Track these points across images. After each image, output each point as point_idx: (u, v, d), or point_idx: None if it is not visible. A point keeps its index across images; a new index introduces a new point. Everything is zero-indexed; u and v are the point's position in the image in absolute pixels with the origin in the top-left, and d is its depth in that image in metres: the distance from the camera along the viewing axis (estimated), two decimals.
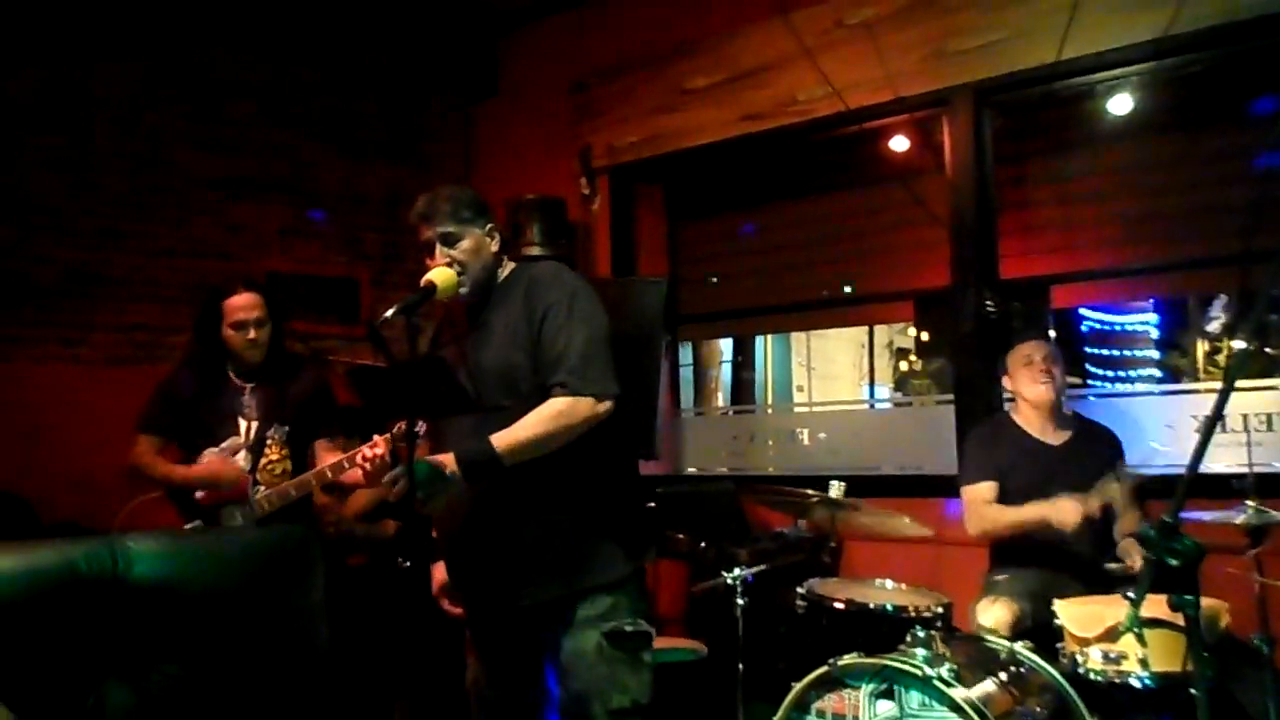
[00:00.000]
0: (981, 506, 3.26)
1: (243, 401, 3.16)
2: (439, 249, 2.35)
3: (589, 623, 2.27)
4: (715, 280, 5.15)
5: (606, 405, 2.26)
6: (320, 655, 1.73)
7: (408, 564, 2.34)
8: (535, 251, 4.63)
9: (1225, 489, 2.70)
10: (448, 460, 2.15)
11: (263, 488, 3.08)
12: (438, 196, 2.38)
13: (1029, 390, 3.30)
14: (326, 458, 3.00)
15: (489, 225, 2.41)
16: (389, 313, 2.17)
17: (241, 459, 3.13)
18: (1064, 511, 3.00)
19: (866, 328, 7.99)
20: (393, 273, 5.29)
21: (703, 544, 3.88)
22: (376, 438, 2.65)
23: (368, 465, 2.48)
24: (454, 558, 2.44)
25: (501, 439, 2.17)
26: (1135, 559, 3.00)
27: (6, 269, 4.27)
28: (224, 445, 3.14)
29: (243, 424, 3.16)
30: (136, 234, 4.62)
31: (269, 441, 3.13)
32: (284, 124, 5.07)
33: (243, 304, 3.09)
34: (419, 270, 2.34)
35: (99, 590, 1.54)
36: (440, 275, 2.29)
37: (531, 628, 2.33)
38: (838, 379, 8.78)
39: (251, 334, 3.09)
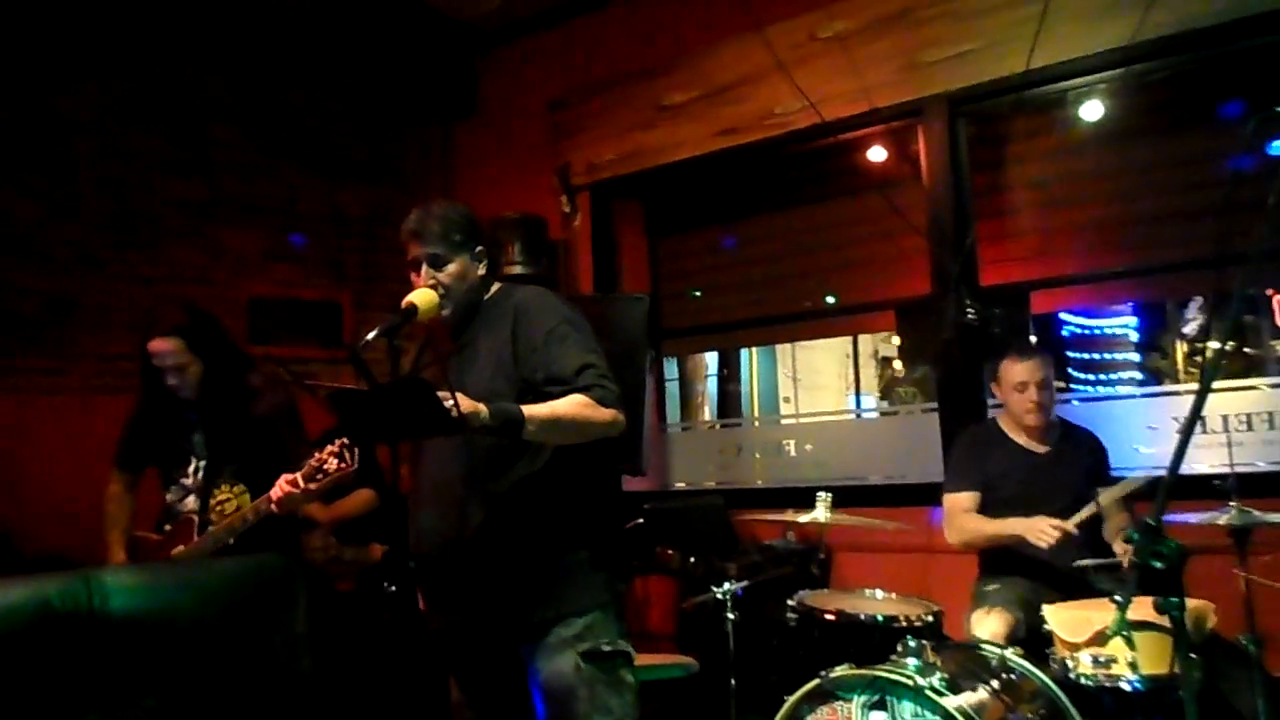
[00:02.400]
0: (960, 516, 3.28)
1: (193, 439, 3.12)
2: (425, 269, 2.35)
3: (566, 644, 2.25)
4: (699, 294, 5.16)
5: (621, 423, 2.25)
6: (303, 685, 1.71)
7: (393, 588, 2.34)
8: (517, 270, 4.63)
9: (1208, 490, 2.72)
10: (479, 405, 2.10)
11: (211, 529, 3.01)
12: (429, 215, 2.36)
13: (1019, 412, 3.32)
14: (274, 491, 2.86)
15: (478, 249, 2.41)
16: (370, 335, 2.16)
17: (190, 502, 3.09)
18: (1040, 532, 3.02)
19: (851, 338, 8.02)
20: (375, 295, 5.27)
21: (692, 559, 3.88)
22: (320, 454, 2.66)
23: (309, 488, 2.47)
24: (433, 579, 2.42)
25: (530, 406, 2.15)
26: (1127, 557, 3.01)
27: None
28: (173, 490, 3.13)
29: (192, 463, 3.11)
30: (116, 261, 4.59)
31: (219, 482, 3.08)
32: (264, 147, 5.06)
33: (157, 350, 3.00)
34: (401, 292, 2.34)
35: (75, 625, 1.51)
36: (421, 297, 2.28)
37: (510, 649, 2.31)
38: (824, 389, 8.79)
39: (171, 381, 3.02)
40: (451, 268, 2.35)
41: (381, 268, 5.26)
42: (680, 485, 4.99)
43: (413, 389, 2.08)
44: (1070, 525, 3.00)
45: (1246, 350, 6.40)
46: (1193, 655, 1.72)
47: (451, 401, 1.99)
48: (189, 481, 3.11)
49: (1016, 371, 3.30)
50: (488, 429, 2.09)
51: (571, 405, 2.20)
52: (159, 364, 3.02)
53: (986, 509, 3.30)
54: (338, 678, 3.35)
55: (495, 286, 2.47)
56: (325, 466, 2.70)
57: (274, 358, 4.44)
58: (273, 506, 2.79)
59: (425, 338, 2.54)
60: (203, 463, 3.10)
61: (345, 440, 2.67)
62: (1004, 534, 3.14)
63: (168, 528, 3.11)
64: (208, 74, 4.87)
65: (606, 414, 2.22)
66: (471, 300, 2.40)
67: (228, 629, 1.64)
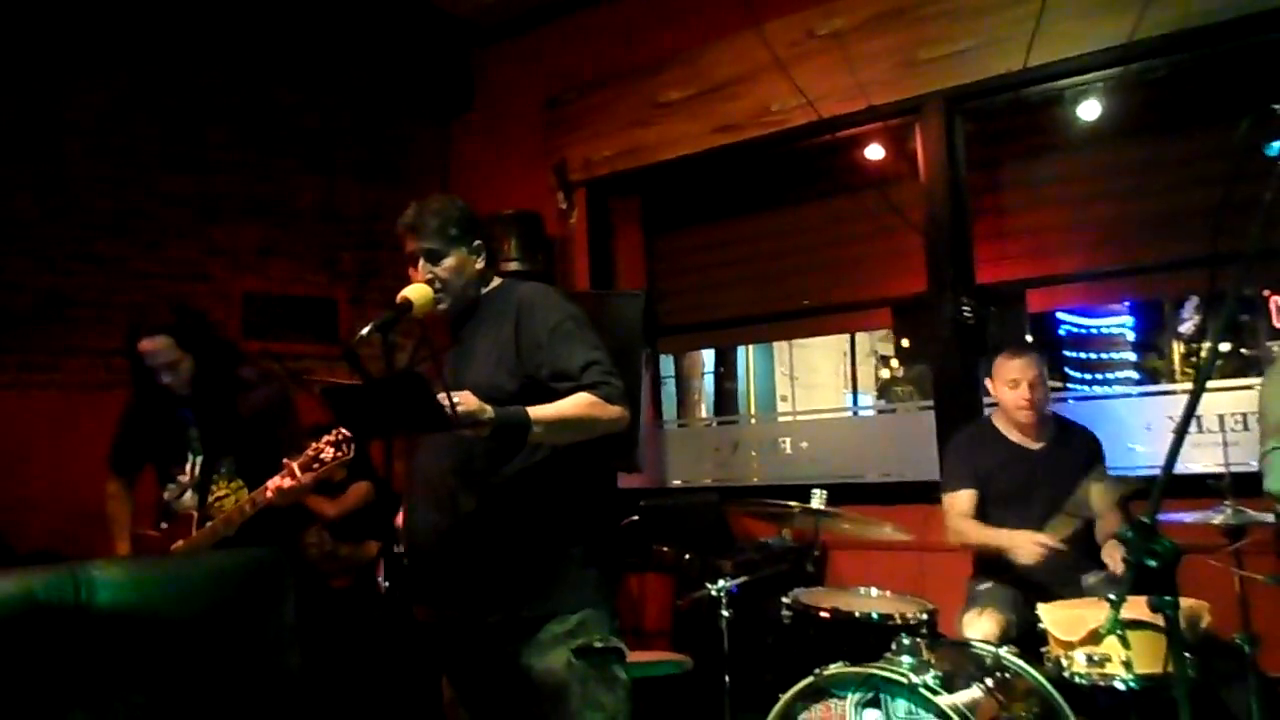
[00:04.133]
0: (957, 520, 3.28)
1: (189, 435, 3.13)
2: (422, 264, 2.34)
3: (558, 640, 2.25)
4: (696, 292, 5.15)
5: (627, 418, 2.27)
6: (291, 680, 1.70)
7: (387, 584, 2.33)
8: (513, 267, 4.62)
9: (1203, 489, 2.72)
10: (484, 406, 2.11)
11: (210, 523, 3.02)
12: (426, 210, 2.36)
13: (1011, 408, 3.32)
14: (270, 482, 2.88)
15: (476, 243, 2.40)
16: (365, 331, 2.15)
17: (188, 499, 3.09)
18: (1023, 549, 3.03)
19: (848, 335, 8.02)
20: (370, 291, 5.27)
21: (687, 556, 3.87)
22: (316, 444, 2.66)
23: (305, 478, 2.47)
24: (425, 573, 2.41)
25: (537, 409, 2.16)
26: (1117, 560, 3.02)
27: None
28: (170, 488, 3.13)
29: (189, 459, 3.12)
30: (112, 257, 4.58)
31: (216, 477, 3.09)
32: (260, 143, 5.05)
33: (148, 350, 3.01)
34: (396, 288, 2.33)
35: (60, 619, 1.50)
36: (416, 292, 2.28)
37: (503, 646, 2.31)
38: (821, 387, 8.79)
39: (165, 378, 3.04)
40: (449, 262, 2.34)
41: (377, 264, 5.26)
42: (676, 483, 4.99)
43: (407, 384, 2.07)
44: (1055, 542, 3.00)
45: (1243, 350, 6.41)
46: (1187, 654, 1.72)
47: (448, 399, 1.99)
48: (185, 478, 3.11)
49: (1009, 369, 3.31)
50: (493, 433, 2.09)
51: (580, 405, 2.21)
52: (151, 363, 3.02)
53: (983, 506, 3.30)
54: (330, 674, 3.34)
55: (495, 282, 2.47)
56: (322, 455, 2.70)
57: (269, 353, 4.44)
58: (269, 496, 2.79)
59: (420, 333, 2.53)
60: (199, 458, 3.11)
61: (342, 430, 2.67)
62: (991, 544, 3.15)
63: (164, 525, 3.11)
64: (204, 71, 4.87)
65: (613, 411, 2.24)
66: (469, 295, 2.39)
67: (216, 623, 1.63)
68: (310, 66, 5.18)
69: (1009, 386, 3.30)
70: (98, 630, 1.50)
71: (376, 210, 5.30)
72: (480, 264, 2.41)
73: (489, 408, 2.07)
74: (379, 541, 4.08)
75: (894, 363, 8.23)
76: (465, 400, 2.04)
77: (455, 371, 2.30)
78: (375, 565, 4.04)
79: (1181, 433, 1.59)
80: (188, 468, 3.11)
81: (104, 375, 4.45)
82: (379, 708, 3.64)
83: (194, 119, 4.84)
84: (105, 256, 4.57)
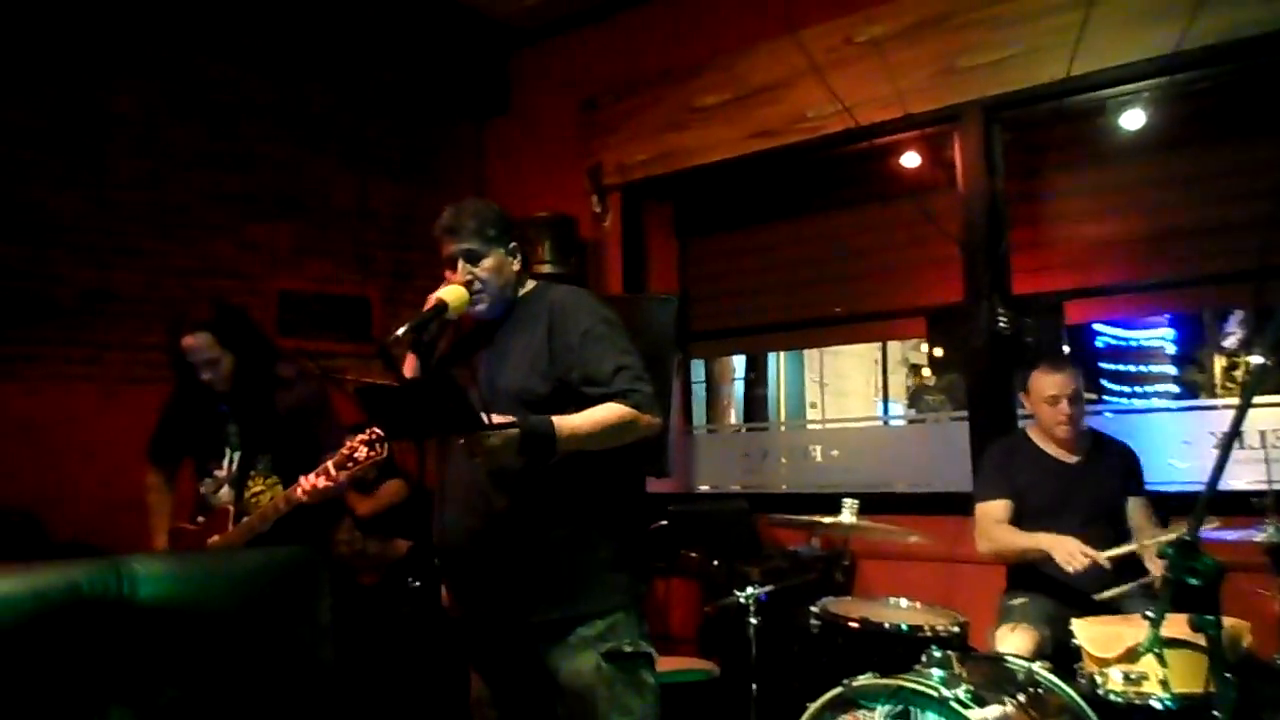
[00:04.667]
0: (992, 526, 3.23)
1: (228, 431, 3.15)
2: (461, 265, 2.35)
3: (587, 644, 2.25)
4: (728, 298, 5.14)
5: (659, 425, 2.28)
6: (325, 677, 1.71)
7: (417, 584, 2.34)
8: (546, 269, 4.64)
9: (1245, 507, 2.67)
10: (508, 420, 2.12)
11: (245, 519, 3.04)
12: (463, 212, 2.37)
13: (1050, 424, 3.28)
14: (303, 480, 2.88)
15: (512, 244, 2.41)
16: (399, 331, 2.17)
17: (225, 494, 3.12)
18: (1069, 554, 2.96)
19: (880, 344, 7.96)
20: (404, 291, 5.30)
21: (715, 562, 3.86)
22: (351, 443, 2.68)
23: (339, 476, 2.48)
24: (457, 574, 2.42)
25: (563, 420, 2.16)
26: (1159, 566, 2.96)
27: (23, 288, 4.29)
28: (206, 483, 3.15)
29: (226, 455, 3.14)
30: (151, 252, 4.64)
31: (253, 474, 3.11)
32: (297, 142, 5.10)
33: (190, 346, 3.04)
34: (430, 288, 2.34)
35: (103, 612, 1.51)
36: (451, 293, 2.29)
37: (533, 647, 2.31)
38: (851, 395, 8.73)
39: (205, 375, 3.06)
40: (487, 263, 2.35)
41: (411, 264, 5.29)
42: (705, 488, 4.98)
43: (440, 386, 2.08)
44: (1103, 558, 2.94)
45: None
46: (1228, 675, 1.68)
47: (480, 405, 2.00)
48: (223, 473, 3.14)
49: (1047, 384, 3.26)
50: (520, 446, 2.10)
51: (610, 414, 2.21)
52: (192, 359, 3.06)
53: (1016, 519, 3.26)
54: (358, 670, 3.36)
55: (530, 284, 2.48)
56: (356, 455, 2.72)
57: (303, 351, 4.48)
58: (303, 494, 2.81)
59: (454, 334, 2.54)
60: (237, 454, 3.13)
61: (376, 430, 2.69)
62: (1034, 548, 3.10)
63: (200, 519, 3.14)
64: (243, 71, 4.92)
65: (645, 418, 2.25)
66: (507, 296, 2.40)
67: (252, 619, 1.65)
68: (346, 66, 5.22)
69: (1047, 402, 3.25)
70: (139, 624, 1.51)
71: (411, 210, 5.33)
72: (517, 265, 2.42)
73: (514, 429, 2.09)
74: (408, 540, 4.10)
75: (925, 372, 8.16)
76: (492, 419, 2.05)
77: (490, 374, 2.30)
78: (404, 563, 4.07)
79: (1226, 449, 1.56)
80: (225, 463, 3.14)
81: (143, 370, 4.50)
82: (406, 704, 3.66)
83: (232, 117, 4.90)
84: (145, 251, 4.62)
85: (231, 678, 1.58)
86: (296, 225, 5.08)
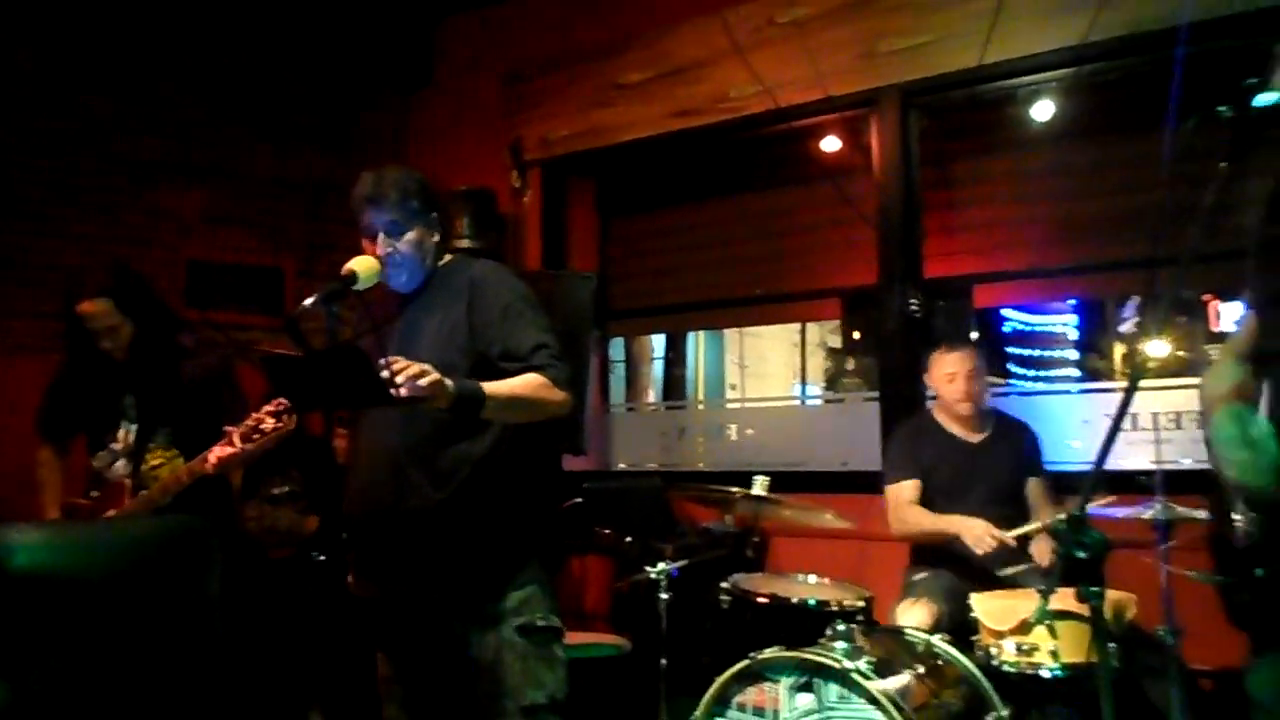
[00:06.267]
0: (903, 507, 3.32)
1: (124, 402, 3.06)
2: (382, 239, 2.30)
3: (502, 617, 2.25)
4: (648, 276, 5.14)
5: (570, 404, 2.29)
6: (215, 649, 1.67)
7: (323, 558, 2.30)
8: (465, 244, 4.57)
9: (1135, 485, 2.78)
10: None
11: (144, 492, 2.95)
12: (385, 181, 2.31)
13: (950, 401, 3.38)
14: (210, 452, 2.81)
15: (433, 216, 2.38)
16: (308, 302, 2.12)
17: (121, 467, 3.03)
18: (977, 537, 3.07)
19: (799, 326, 8.06)
20: (320, 263, 5.17)
21: (628, 539, 3.88)
22: (257, 414, 2.63)
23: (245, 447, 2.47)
24: (367, 548, 2.39)
25: (490, 385, 2.16)
26: (1044, 552, 3.09)
27: None
28: (101, 456, 3.06)
29: (123, 428, 3.05)
30: (54, 218, 4.46)
31: (151, 446, 3.02)
32: (210, 106, 4.93)
33: (87, 313, 2.95)
34: (346, 260, 2.28)
35: None
36: (361, 264, 2.24)
37: (444, 622, 2.30)
38: (770, 377, 8.83)
39: (104, 343, 2.97)
40: (410, 236, 2.32)
41: (328, 235, 5.16)
42: (622, 466, 4.99)
43: (347, 358, 2.04)
44: (1009, 537, 3.05)
45: (1181, 353, 6.55)
46: (1110, 644, 1.76)
47: (387, 372, 1.97)
48: (119, 446, 3.04)
49: (945, 362, 3.37)
50: (450, 406, 2.07)
51: (529, 385, 2.21)
52: (90, 326, 2.95)
53: (923, 497, 3.35)
54: (265, 645, 3.30)
55: (447, 257, 2.45)
56: (262, 425, 2.66)
57: (212, 323, 4.36)
58: (208, 465, 2.74)
59: (364, 306, 2.49)
60: (134, 426, 3.04)
61: (283, 401, 2.63)
62: (942, 530, 3.19)
63: (94, 494, 3.04)
64: (155, 32, 4.72)
65: (559, 395, 2.26)
66: (426, 269, 2.37)
67: (138, 590, 1.60)
68: (267, 30, 5.05)
69: (946, 380, 3.36)
70: (12, 594, 1.45)
71: (329, 181, 5.19)
72: (436, 237, 2.39)
73: (448, 380, 2.06)
74: (317, 515, 4.03)
75: (842, 354, 8.28)
76: (426, 372, 2.02)
77: (404, 346, 2.27)
78: (316, 538, 4.00)
79: (1114, 429, 1.61)
80: (121, 435, 3.04)
81: (41, 339, 4.33)
82: (313, 680, 3.61)
83: (142, 79, 4.71)
84: (49, 216, 4.44)
85: (114, 650, 1.54)
86: (208, 193, 4.92)
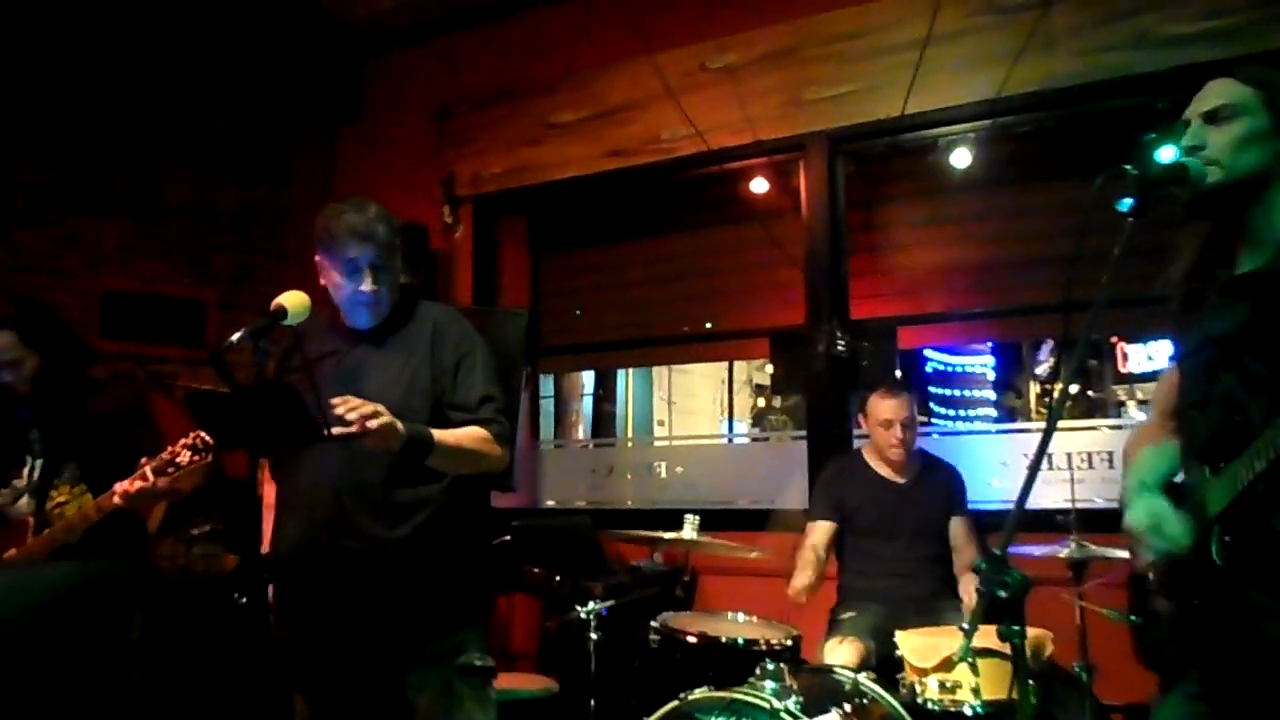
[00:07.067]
0: (806, 548, 3.36)
1: (28, 438, 2.93)
2: (371, 274, 2.26)
3: (440, 658, 2.23)
4: (579, 313, 5.16)
5: (506, 461, 2.32)
6: (133, 695, 1.61)
7: (243, 600, 2.22)
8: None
9: (1052, 524, 2.87)
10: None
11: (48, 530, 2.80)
12: (376, 218, 2.28)
13: (884, 446, 3.44)
14: (118, 485, 2.68)
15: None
16: (235, 336, 2.07)
17: (24, 504, 2.90)
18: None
19: (726, 364, 8.15)
20: (242, 295, 5.06)
21: (558, 578, 3.85)
22: (173, 447, 2.54)
23: (158, 481, 2.43)
24: (294, 589, 2.33)
25: (440, 433, 2.18)
26: (971, 595, 3.15)
27: None
28: (2, 493, 2.91)
29: (28, 461, 2.92)
30: None
31: (57, 482, 2.89)
32: (127, 132, 4.79)
33: None
34: (272, 293, 2.24)
35: None
36: (291, 299, 2.20)
37: (377, 665, 2.26)
38: (698, 414, 8.90)
39: (6, 377, 2.85)
40: (393, 275, 2.32)
41: (251, 267, 5.05)
42: (551, 503, 4.96)
43: (278, 394, 2.01)
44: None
45: (1090, 393, 6.79)
46: (1030, 682, 1.80)
47: (342, 409, 1.95)
48: (21, 483, 2.91)
49: (884, 409, 3.42)
50: (402, 449, 2.08)
51: (473, 438, 2.24)
52: None
53: (848, 537, 3.41)
54: (179, 688, 3.19)
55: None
56: (178, 459, 2.56)
57: (129, 355, 4.23)
58: (117, 500, 2.63)
59: (293, 341, 2.45)
60: (39, 462, 2.91)
61: (201, 434, 2.54)
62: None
63: None
64: (67, 48, 4.58)
65: (499, 450, 2.29)
66: (387, 308, 2.35)
67: (54, 636, 1.53)
68: (189, 55, 4.93)
69: (882, 426, 3.41)
70: None
71: (253, 212, 5.11)
72: (404, 277, 2.38)
73: (399, 423, 2.06)
74: (237, 555, 3.92)
75: (769, 393, 8.39)
76: (379, 413, 1.99)
77: (351, 384, 2.22)
78: (232, 579, 3.88)
79: (1034, 470, 1.67)
80: (25, 471, 2.91)
81: None
82: None
83: (52, 101, 4.57)
84: None
85: (30, 696, 1.47)
86: (124, 221, 4.78)
